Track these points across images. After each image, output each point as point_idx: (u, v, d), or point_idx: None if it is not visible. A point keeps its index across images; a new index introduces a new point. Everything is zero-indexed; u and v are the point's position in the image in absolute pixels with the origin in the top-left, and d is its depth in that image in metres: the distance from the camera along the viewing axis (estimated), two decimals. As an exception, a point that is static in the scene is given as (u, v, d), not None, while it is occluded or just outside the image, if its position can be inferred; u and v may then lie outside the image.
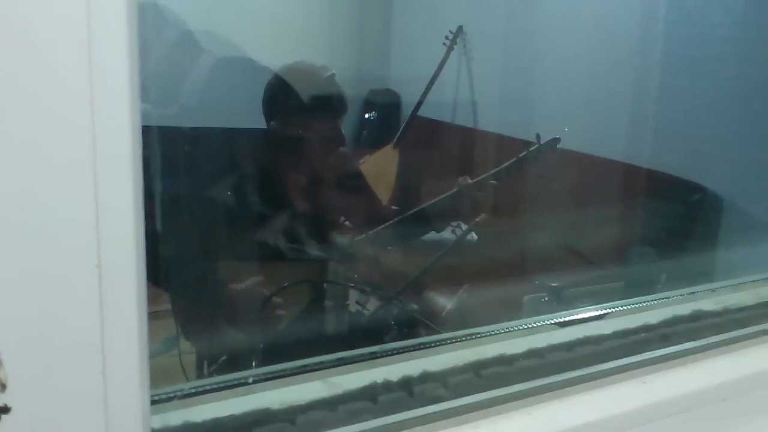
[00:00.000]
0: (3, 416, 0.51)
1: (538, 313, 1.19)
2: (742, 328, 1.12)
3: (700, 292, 1.24)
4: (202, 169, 1.96)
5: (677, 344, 1.05)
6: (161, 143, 1.70)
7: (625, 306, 1.16)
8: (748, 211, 2.64)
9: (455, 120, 4.06)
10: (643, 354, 1.01)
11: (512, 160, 1.94)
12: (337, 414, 0.80)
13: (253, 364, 1.69)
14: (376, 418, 0.80)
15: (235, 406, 0.78)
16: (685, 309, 1.16)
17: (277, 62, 1.96)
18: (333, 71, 1.90)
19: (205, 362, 1.88)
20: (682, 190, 2.79)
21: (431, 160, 3.90)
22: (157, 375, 0.63)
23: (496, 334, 1.03)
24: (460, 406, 0.84)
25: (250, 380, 0.84)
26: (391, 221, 2.00)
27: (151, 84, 1.92)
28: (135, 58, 0.52)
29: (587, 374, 0.94)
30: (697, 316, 1.15)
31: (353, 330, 1.84)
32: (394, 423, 0.80)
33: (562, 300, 2.07)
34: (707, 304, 1.19)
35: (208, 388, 0.80)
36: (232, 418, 0.76)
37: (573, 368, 0.95)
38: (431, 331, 1.89)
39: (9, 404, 0.51)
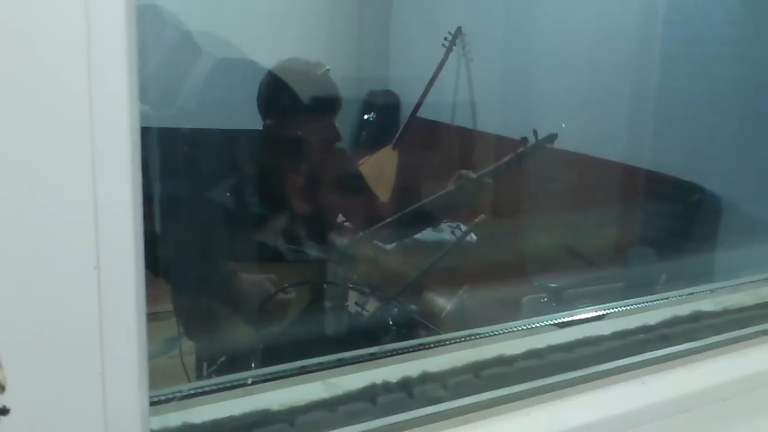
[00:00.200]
0: (2, 417, 0.51)
1: (538, 313, 1.19)
2: (742, 328, 1.12)
3: (700, 293, 1.24)
4: (201, 170, 1.96)
5: (677, 345, 1.05)
6: (160, 144, 1.70)
7: (625, 307, 1.16)
8: (748, 211, 2.64)
9: (454, 121, 4.06)
10: (642, 354, 1.01)
11: (511, 156, 1.95)
12: (337, 415, 0.80)
13: (253, 364, 1.69)
14: (375, 419, 0.80)
15: (234, 407, 0.78)
16: (684, 309, 1.16)
17: (267, 66, 1.96)
18: (327, 67, 1.90)
19: (205, 363, 1.87)
20: (681, 191, 2.79)
21: (430, 161, 3.90)
22: (156, 376, 0.63)
23: (495, 334, 1.03)
24: (459, 406, 0.84)
25: (250, 381, 0.84)
26: (391, 218, 2.00)
27: (150, 85, 1.92)
28: (134, 59, 0.52)
29: (587, 375, 0.94)
30: (696, 317, 1.15)
31: (353, 331, 1.84)
32: (393, 424, 0.80)
33: (561, 301, 2.08)
34: (707, 305, 1.19)
35: (207, 389, 0.80)
36: (231, 419, 0.76)
37: (572, 369, 0.95)
38: (431, 332, 1.89)
39: (8, 406, 0.51)
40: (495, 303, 2.27)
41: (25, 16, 0.47)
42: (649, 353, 1.01)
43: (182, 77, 2.21)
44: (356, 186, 2.11)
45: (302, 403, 0.80)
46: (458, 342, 1.00)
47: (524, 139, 1.94)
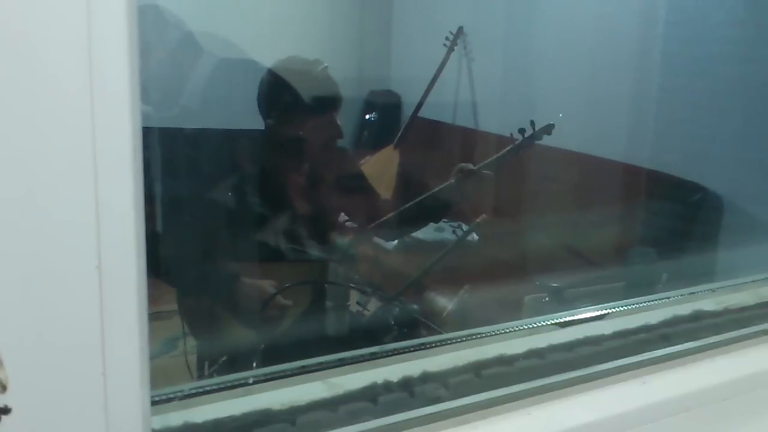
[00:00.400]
0: (3, 417, 0.52)
1: (539, 313, 1.19)
2: (743, 328, 1.12)
3: (701, 292, 1.23)
4: (202, 170, 1.96)
5: (677, 344, 1.05)
6: (162, 144, 1.70)
7: (626, 306, 1.16)
8: (749, 211, 2.64)
9: (456, 121, 4.06)
10: (643, 354, 1.01)
11: (509, 147, 1.95)
12: (338, 414, 0.80)
13: (254, 364, 1.69)
14: (376, 418, 0.80)
15: (235, 406, 0.78)
16: (685, 309, 1.16)
17: (268, 65, 1.96)
18: (326, 64, 1.90)
19: (206, 362, 1.88)
20: (683, 190, 2.79)
21: (432, 161, 3.90)
22: (157, 376, 0.63)
23: (496, 334, 1.03)
24: (460, 406, 0.84)
25: (251, 381, 0.84)
26: (393, 213, 2.00)
27: (152, 85, 1.92)
28: (135, 60, 0.52)
29: (587, 374, 0.95)
30: (697, 316, 1.15)
31: (354, 330, 1.84)
32: (394, 423, 0.80)
33: (562, 300, 2.07)
34: (707, 304, 1.19)
35: (208, 388, 0.80)
36: (232, 419, 0.76)
37: (573, 368, 0.95)
38: (432, 332, 1.89)
39: (9, 405, 0.51)
40: (496, 302, 2.27)
41: (26, 17, 0.47)
42: (650, 353, 1.01)
43: (184, 77, 2.21)
44: (358, 185, 2.11)
45: (303, 402, 0.80)
46: (459, 341, 1.00)
47: (522, 131, 1.94)
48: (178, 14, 2.20)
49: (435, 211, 2.02)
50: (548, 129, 1.95)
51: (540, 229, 3.12)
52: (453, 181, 1.90)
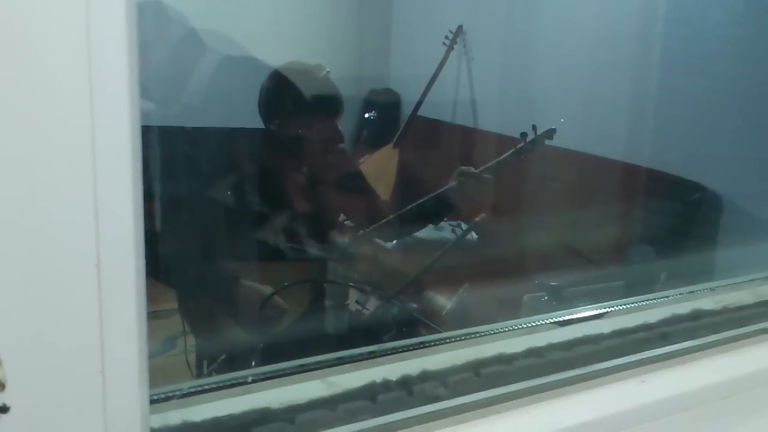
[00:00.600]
0: (2, 416, 0.52)
1: (538, 312, 1.19)
2: (742, 327, 1.12)
3: (700, 291, 1.24)
4: (202, 169, 1.96)
5: (676, 343, 1.05)
6: (161, 143, 1.70)
7: (625, 305, 1.16)
8: (748, 210, 2.64)
9: (455, 119, 4.06)
10: (642, 353, 1.01)
11: (511, 151, 1.95)
12: (337, 413, 0.80)
13: (253, 363, 1.69)
14: (375, 417, 0.80)
15: (234, 405, 0.78)
16: (684, 308, 1.16)
17: (276, 61, 1.96)
18: (328, 69, 1.90)
19: (205, 361, 1.88)
20: (682, 189, 2.79)
21: (431, 160, 3.90)
22: (156, 374, 0.63)
23: (495, 333, 1.03)
24: (459, 405, 0.84)
25: (250, 379, 0.84)
26: (393, 215, 2.00)
27: (154, 81, 1.91)
28: (134, 59, 0.52)
29: (586, 373, 0.95)
30: (696, 315, 1.15)
31: (353, 329, 1.84)
32: (393, 422, 0.80)
33: (561, 299, 2.07)
34: (706, 303, 1.19)
35: (207, 387, 0.80)
36: (231, 418, 0.76)
37: (572, 367, 0.95)
38: (431, 331, 1.89)
39: (8, 404, 0.51)
40: (495, 301, 2.27)
41: (26, 16, 0.47)
42: (649, 352, 1.01)
43: (187, 74, 2.20)
44: (357, 185, 2.11)
45: (302, 401, 0.80)
46: (458, 340, 1.00)
47: (523, 135, 1.94)
48: (181, 11, 2.19)
49: (435, 213, 2.02)
50: (550, 134, 1.95)
51: (539, 227, 3.12)
52: (454, 184, 1.90)
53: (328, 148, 1.89)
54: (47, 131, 0.49)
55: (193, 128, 2.17)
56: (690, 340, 1.06)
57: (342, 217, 2.11)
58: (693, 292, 1.24)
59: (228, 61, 2.23)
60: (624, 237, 2.92)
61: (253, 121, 1.91)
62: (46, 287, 0.51)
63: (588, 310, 1.12)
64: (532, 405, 0.88)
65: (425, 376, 0.89)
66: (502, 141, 3.49)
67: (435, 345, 0.99)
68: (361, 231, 1.99)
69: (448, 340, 1.01)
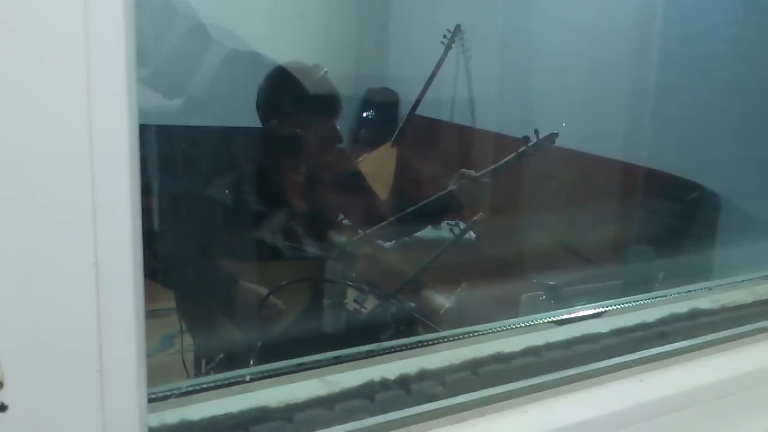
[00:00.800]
0: (1, 414, 0.52)
1: (536, 311, 1.19)
2: (739, 326, 1.12)
3: (697, 291, 1.24)
4: (200, 168, 1.96)
5: (674, 342, 1.05)
6: (159, 142, 1.69)
7: (623, 304, 1.16)
8: (746, 209, 2.64)
9: (453, 118, 4.06)
10: (640, 352, 1.01)
11: (512, 155, 1.95)
12: (335, 412, 0.80)
13: (251, 362, 1.69)
14: (373, 416, 0.80)
15: (232, 404, 0.78)
16: (682, 307, 1.16)
17: (274, 59, 1.95)
18: (325, 69, 1.89)
19: (203, 360, 1.88)
20: (680, 189, 2.79)
21: (429, 159, 3.90)
22: (154, 373, 0.63)
23: (493, 332, 1.03)
24: (457, 404, 0.84)
25: (248, 378, 0.84)
26: (392, 218, 2.00)
27: (161, 73, 1.90)
28: (132, 59, 0.52)
29: (584, 372, 0.95)
30: (694, 315, 1.15)
31: (351, 328, 1.84)
32: (391, 421, 0.80)
33: (559, 298, 2.07)
34: (704, 302, 1.19)
35: (205, 386, 0.80)
36: (229, 416, 0.76)
37: (570, 366, 0.95)
38: (429, 330, 1.89)
39: (6, 402, 0.51)
40: (493, 300, 2.27)
41: (24, 16, 0.47)
42: (647, 351, 1.01)
43: (193, 68, 2.19)
44: (355, 184, 2.11)
45: (300, 400, 0.80)
46: (456, 339, 1.00)
47: (526, 138, 1.94)
48: (188, 3, 2.18)
49: (435, 215, 2.03)
50: (552, 138, 1.96)
51: (537, 227, 3.12)
52: (454, 187, 1.91)
53: (327, 148, 1.89)
54: (45, 130, 0.49)
55: (192, 127, 2.17)
56: (688, 339, 1.06)
57: (340, 216, 2.11)
58: (691, 291, 1.24)
59: (234, 55, 2.22)
60: (622, 236, 2.92)
61: (254, 117, 1.91)
62: (44, 286, 0.51)
63: (586, 309, 1.12)
64: (530, 404, 0.88)
65: (423, 375, 0.89)
66: (501, 140, 3.50)
67: (433, 344, 1.00)
68: (361, 234, 1.99)
69: (446, 339, 1.01)
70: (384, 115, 4.27)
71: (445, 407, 0.83)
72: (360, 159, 3.70)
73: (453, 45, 3.91)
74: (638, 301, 1.18)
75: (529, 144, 1.94)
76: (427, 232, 2.49)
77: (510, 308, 2.14)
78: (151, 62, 1.87)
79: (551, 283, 2.12)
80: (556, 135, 1.96)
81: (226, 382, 0.82)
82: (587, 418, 0.89)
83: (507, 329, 1.05)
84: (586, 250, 2.83)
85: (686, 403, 0.98)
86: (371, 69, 4.40)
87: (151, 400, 0.65)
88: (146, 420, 0.60)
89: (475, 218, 1.98)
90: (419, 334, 1.80)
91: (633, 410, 0.93)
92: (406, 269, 2.03)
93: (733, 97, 2.69)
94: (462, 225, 2.03)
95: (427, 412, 0.82)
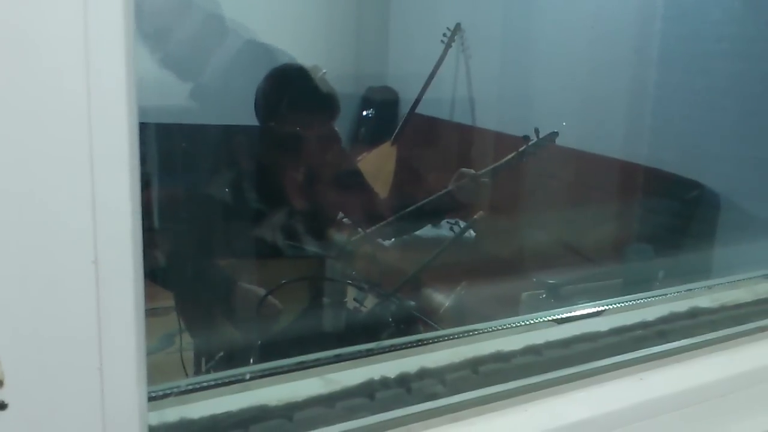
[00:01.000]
0: (0, 412, 0.52)
1: (536, 309, 1.19)
2: (739, 325, 1.12)
3: (697, 289, 1.24)
4: (199, 166, 1.96)
5: (674, 341, 1.05)
6: (158, 141, 1.69)
7: (622, 303, 1.16)
8: (746, 208, 2.64)
9: (453, 117, 4.06)
10: (639, 351, 1.01)
11: (512, 154, 1.95)
12: (335, 410, 0.80)
13: (251, 360, 1.69)
14: (373, 414, 0.80)
15: (232, 402, 0.78)
16: (682, 306, 1.16)
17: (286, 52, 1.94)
18: (324, 71, 1.89)
19: (203, 359, 1.88)
20: (680, 187, 2.79)
21: (429, 157, 3.90)
22: (154, 372, 0.63)
23: (493, 330, 1.03)
24: (457, 402, 0.84)
25: (247, 377, 0.84)
26: (392, 217, 2.00)
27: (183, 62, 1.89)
28: (132, 57, 0.52)
29: (584, 371, 0.95)
30: (694, 313, 1.15)
31: (351, 327, 1.84)
32: (391, 419, 0.80)
33: (559, 297, 2.07)
34: (704, 301, 1.19)
35: (205, 384, 0.80)
36: (229, 415, 0.76)
37: (570, 365, 0.95)
38: (429, 328, 1.89)
39: (6, 400, 0.51)
40: (493, 299, 2.27)
41: (24, 15, 0.47)
42: (647, 349, 1.01)
43: (209, 57, 2.18)
44: (355, 183, 2.11)
45: (300, 398, 0.80)
46: (456, 338, 1.00)
47: (526, 138, 1.94)
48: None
49: (435, 214, 2.03)
50: (552, 137, 1.96)
51: (537, 225, 3.12)
52: (454, 186, 1.91)
53: (325, 149, 1.89)
54: (45, 128, 0.49)
55: (192, 126, 2.16)
56: (688, 338, 1.06)
57: (340, 215, 2.11)
58: (691, 290, 1.24)
59: (250, 47, 2.20)
60: (622, 235, 2.92)
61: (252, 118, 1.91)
62: (44, 284, 0.51)
63: (586, 307, 1.12)
64: (530, 402, 0.88)
65: (423, 374, 0.89)
66: (500, 139, 3.50)
67: (433, 342, 1.00)
68: (361, 231, 1.99)
69: (446, 338, 1.01)
70: (384, 113, 4.27)
71: (445, 406, 0.83)
72: (360, 158, 3.70)
73: (453, 43, 3.91)
74: (638, 299, 1.18)
75: (530, 143, 1.94)
76: (426, 231, 2.49)
77: (510, 307, 2.14)
78: (166, 46, 1.87)
79: (551, 281, 2.12)
80: (556, 134, 1.97)
81: (226, 380, 0.82)
82: (587, 416, 0.89)
83: (507, 328, 1.05)
84: (586, 248, 2.83)
85: (686, 401, 0.98)
86: (371, 67, 4.40)
87: (151, 399, 0.65)
88: (146, 418, 0.60)
89: (475, 217, 1.98)
90: (419, 333, 1.79)
91: (633, 409, 0.93)
92: (406, 268, 2.03)
93: (733, 96, 2.69)
94: (462, 224, 2.03)
95: (427, 410, 0.82)
